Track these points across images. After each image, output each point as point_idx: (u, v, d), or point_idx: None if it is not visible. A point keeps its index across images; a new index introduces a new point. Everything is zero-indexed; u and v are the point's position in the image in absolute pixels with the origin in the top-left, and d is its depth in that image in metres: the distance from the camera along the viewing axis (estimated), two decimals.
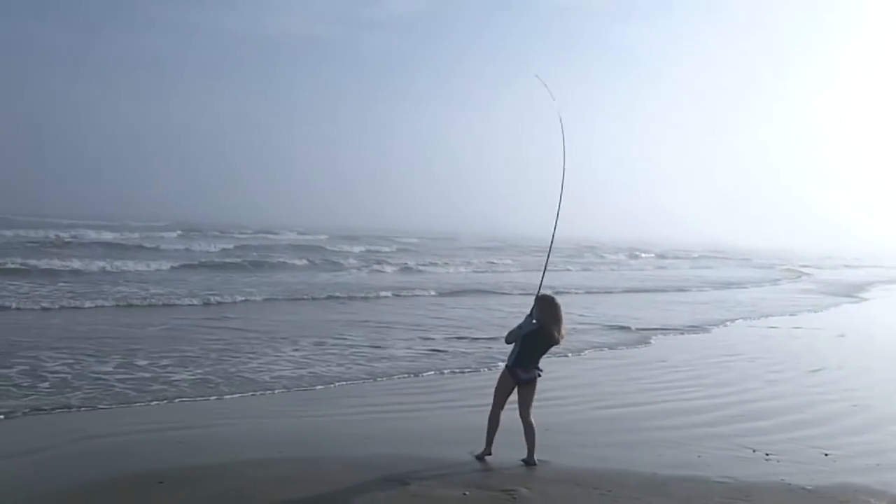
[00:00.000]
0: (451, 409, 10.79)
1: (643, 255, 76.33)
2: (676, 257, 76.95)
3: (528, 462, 8.09)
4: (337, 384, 12.18)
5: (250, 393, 11.31)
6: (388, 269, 39.38)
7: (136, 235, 53.30)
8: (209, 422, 9.65)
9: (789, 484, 7.77)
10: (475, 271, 42.01)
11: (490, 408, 8.32)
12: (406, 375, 13.09)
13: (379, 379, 12.72)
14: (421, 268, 40.80)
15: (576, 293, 30.67)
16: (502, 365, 8.48)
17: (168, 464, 7.66)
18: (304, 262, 39.72)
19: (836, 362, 16.06)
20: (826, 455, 8.92)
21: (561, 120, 9.00)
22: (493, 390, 8.38)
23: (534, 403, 8.23)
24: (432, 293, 27.87)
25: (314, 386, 11.98)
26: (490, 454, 8.19)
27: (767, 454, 8.85)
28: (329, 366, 13.56)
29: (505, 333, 8.43)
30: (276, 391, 11.53)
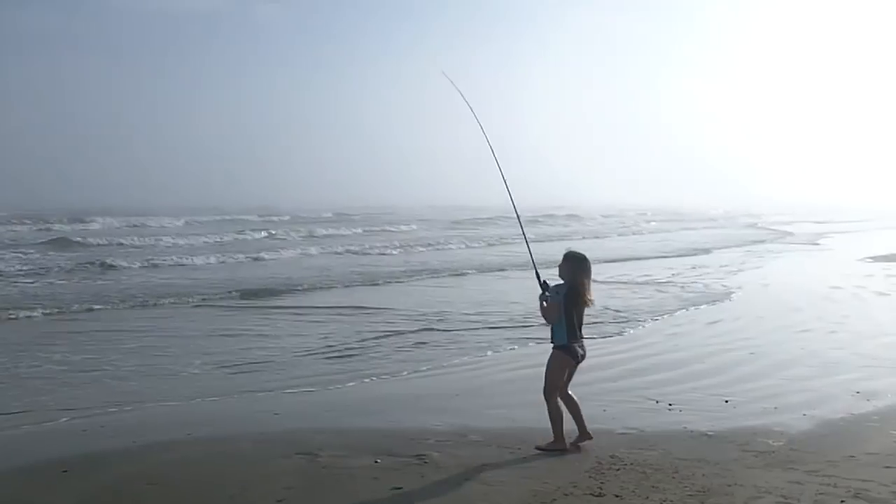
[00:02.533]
0: (361, 381, 10.79)
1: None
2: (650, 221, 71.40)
3: (586, 437, 7.49)
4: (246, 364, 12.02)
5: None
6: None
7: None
8: (114, 408, 9.41)
9: (691, 431, 8.03)
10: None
11: (547, 400, 7.41)
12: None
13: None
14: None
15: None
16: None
17: (72, 452, 7.50)
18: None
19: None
20: (726, 402, 9.23)
21: (472, 109, 8.93)
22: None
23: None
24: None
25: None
26: (566, 449, 7.38)
27: (670, 404, 9.11)
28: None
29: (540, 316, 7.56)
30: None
